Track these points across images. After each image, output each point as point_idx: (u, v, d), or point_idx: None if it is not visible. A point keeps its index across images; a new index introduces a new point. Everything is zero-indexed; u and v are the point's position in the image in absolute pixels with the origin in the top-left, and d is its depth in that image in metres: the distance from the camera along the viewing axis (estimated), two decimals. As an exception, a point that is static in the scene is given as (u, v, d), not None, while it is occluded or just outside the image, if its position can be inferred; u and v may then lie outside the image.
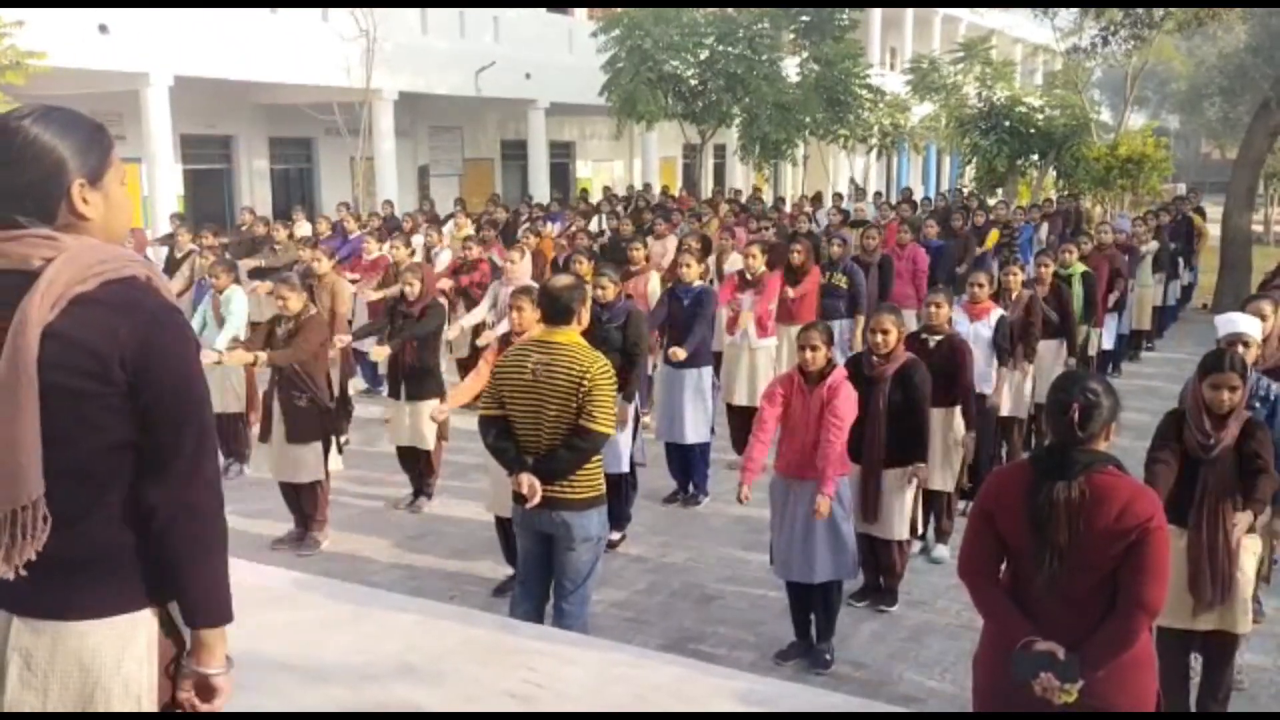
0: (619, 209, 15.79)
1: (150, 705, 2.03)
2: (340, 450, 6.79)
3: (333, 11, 17.28)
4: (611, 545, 6.60)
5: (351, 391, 9.23)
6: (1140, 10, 17.67)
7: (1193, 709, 4.42)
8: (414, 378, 7.22)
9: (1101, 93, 41.38)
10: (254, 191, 19.98)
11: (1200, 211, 16.61)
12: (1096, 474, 2.97)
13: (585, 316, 4.48)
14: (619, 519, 6.75)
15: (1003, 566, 3.19)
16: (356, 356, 9.57)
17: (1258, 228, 21.02)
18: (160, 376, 1.96)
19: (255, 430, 7.60)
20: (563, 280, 4.52)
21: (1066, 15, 22.66)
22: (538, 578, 4.54)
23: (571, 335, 4.38)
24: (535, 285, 6.32)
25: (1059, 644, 2.94)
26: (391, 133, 19.16)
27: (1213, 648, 4.34)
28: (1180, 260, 14.37)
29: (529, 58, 21.02)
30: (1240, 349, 4.67)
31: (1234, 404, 4.11)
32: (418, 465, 7.53)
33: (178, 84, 15.42)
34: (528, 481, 4.25)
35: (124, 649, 2.00)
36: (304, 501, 6.74)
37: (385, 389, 8.72)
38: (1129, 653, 2.96)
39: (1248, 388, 4.25)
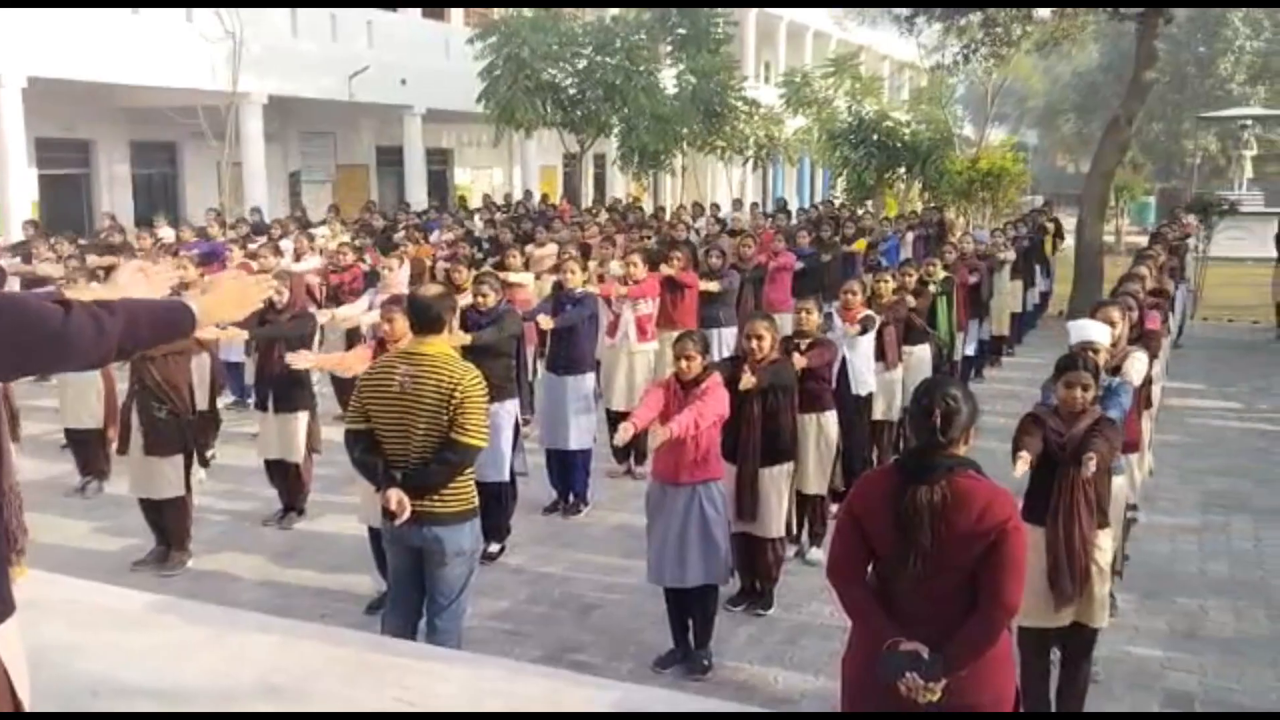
0: (497, 216, 15.65)
1: None
2: (205, 464, 6.54)
3: (197, 12, 16.70)
4: (490, 557, 6.53)
5: (219, 404, 8.92)
6: (999, 29, 18.39)
7: (1052, 703, 4.58)
8: (282, 388, 7.02)
9: (964, 108, 42.97)
10: (114, 197, 19.12)
11: (1056, 223, 17.36)
12: (958, 477, 3.06)
13: (455, 327, 4.42)
14: (498, 530, 6.69)
15: (870, 569, 3.26)
16: (225, 367, 9.25)
17: (1109, 238, 22.05)
18: None
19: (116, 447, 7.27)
20: (432, 290, 4.45)
21: (930, 32, 23.44)
22: (410, 594, 4.44)
23: (441, 346, 4.30)
24: (405, 294, 6.21)
25: (924, 643, 3.02)
26: (260, 137, 18.62)
27: (1072, 643, 4.52)
28: (1037, 269, 15.00)
29: (404, 63, 20.71)
30: (1091, 355, 4.89)
31: (1086, 403, 4.32)
32: (287, 479, 7.32)
33: (32, 85, 14.72)
34: (396, 497, 4.15)
35: None
36: (165, 519, 6.46)
37: (253, 400, 8.44)
38: (990, 651, 3.05)
39: (1099, 388, 4.48)
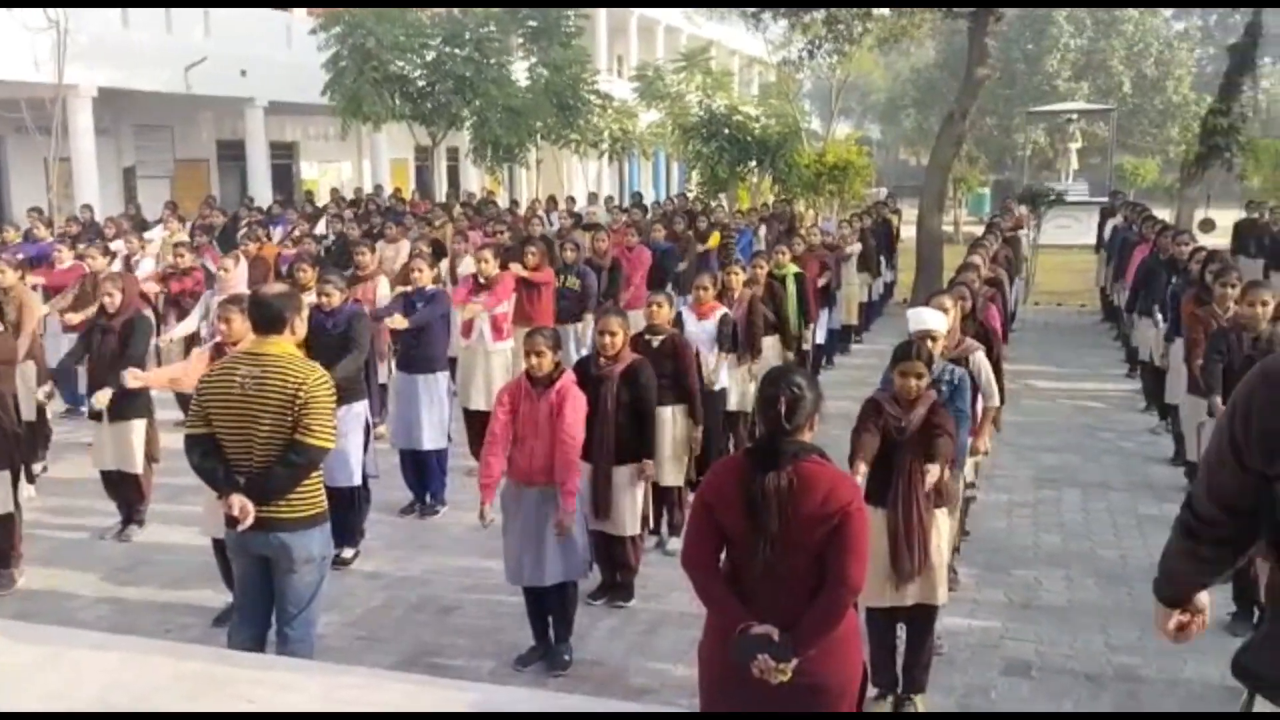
0: (345, 213, 15.26)
1: None
2: (31, 479, 6.19)
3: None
4: (344, 562, 6.39)
5: (50, 414, 8.48)
6: (841, 26, 18.94)
7: (899, 675, 4.77)
8: (118, 396, 6.69)
9: (812, 103, 44.13)
10: (-71, 196, 17.90)
11: (898, 214, 18.01)
12: (803, 463, 3.14)
13: (300, 327, 4.28)
14: (351, 534, 6.55)
15: (723, 555, 3.32)
16: (54, 375, 8.75)
17: (948, 228, 22.99)
18: None
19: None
20: (275, 288, 4.32)
21: (777, 29, 23.96)
22: (257, 603, 4.30)
23: (285, 346, 4.17)
24: (244, 294, 5.99)
25: (775, 626, 3.10)
26: (91, 131, 17.67)
27: (915, 619, 4.71)
28: (882, 259, 15.53)
29: (244, 54, 19.96)
30: (929, 342, 5.10)
31: (920, 390, 4.50)
32: (126, 490, 6.99)
33: None
34: (238, 503, 4.01)
35: None
36: (-9, 538, 6.09)
37: (87, 409, 8.02)
38: (837, 629, 3.15)
39: (933, 375, 4.68)
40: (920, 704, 4.72)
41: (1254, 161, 20.79)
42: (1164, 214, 18.97)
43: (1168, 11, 44.38)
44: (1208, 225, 18.71)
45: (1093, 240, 19.37)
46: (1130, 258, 12.09)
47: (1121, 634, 5.57)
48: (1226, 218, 19.90)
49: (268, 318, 4.16)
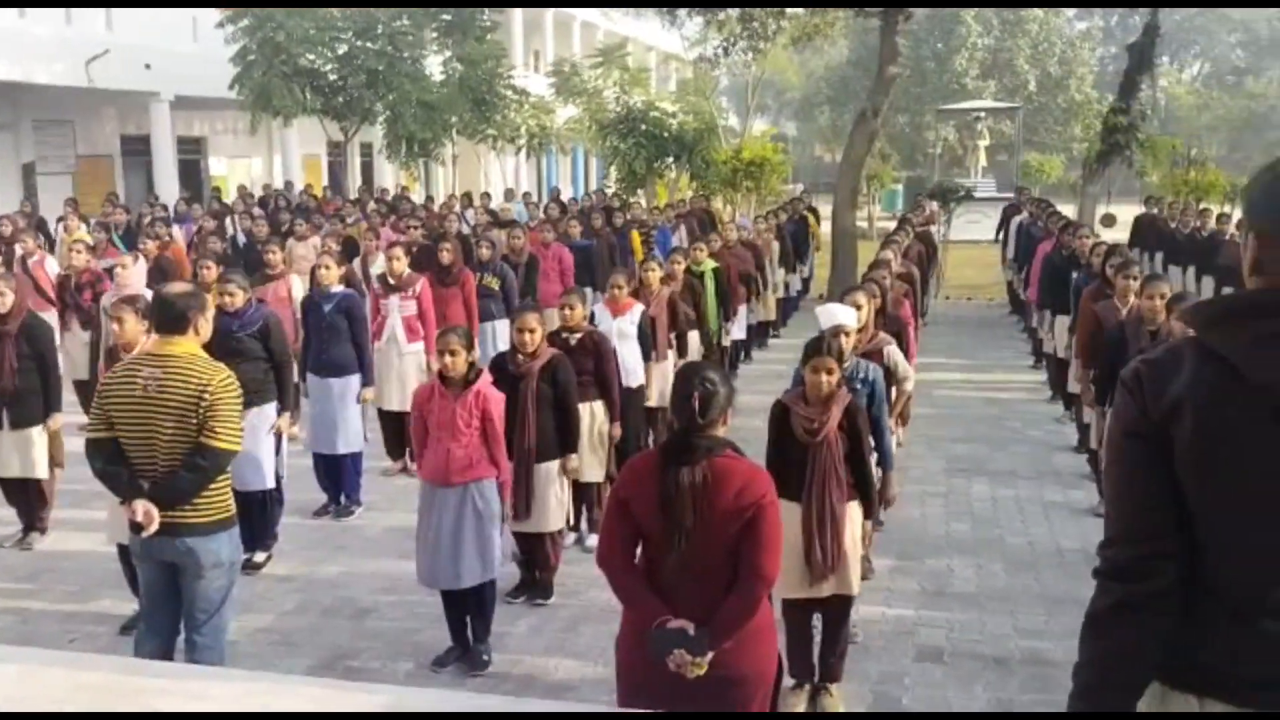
0: (254, 210, 14.92)
1: None
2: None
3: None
4: (256, 566, 6.27)
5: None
6: (756, 24, 19.11)
7: (815, 665, 4.83)
8: (18, 401, 6.46)
9: (728, 100, 44.50)
10: None
11: (813, 210, 18.23)
12: (717, 457, 3.17)
13: (205, 327, 4.18)
14: (264, 538, 6.43)
15: (639, 551, 3.33)
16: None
17: (863, 224, 23.37)
18: None
19: None
20: (178, 287, 4.21)
21: (693, 25, 24.10)
22: (165, 611, 4.18)
23: (189, 346, 4.05)
24: (141, 294, 5.82)
25: (691, 620, 3.12)
26: (-14, 126, 17.06)
27: (831, 610, 4.78)
28: (799, 255, 15.71)
29: (149, 47, 19.41)
30: (841, 338, 5.17)
31: (832, 387, 4.54)
32: (28, 497, 6.76)
33: None
34: (142, 508, 3.89)
35: None
36: (-121, 550, 5.84)
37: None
38: (752, 622, 3.19)
39: (844, 372, 4.73)
40: (835, 693, 4.80)
41: (1152, 158, 21.51)
42: (1068, 210, 19.52)
43: (1070, 11, 45.75)
44: (1109, 220, 19.34)
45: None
46: (1035, 253, 12.41)
47: (1029, 618, 5.72)
48: (1127, 213, 20.56)
49: (170, 317, 4.04)
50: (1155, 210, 16.86)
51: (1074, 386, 8.74)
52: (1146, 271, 8.34)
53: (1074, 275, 9.62)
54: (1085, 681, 1.88)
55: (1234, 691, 1.76)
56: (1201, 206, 17.29)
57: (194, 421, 3.94)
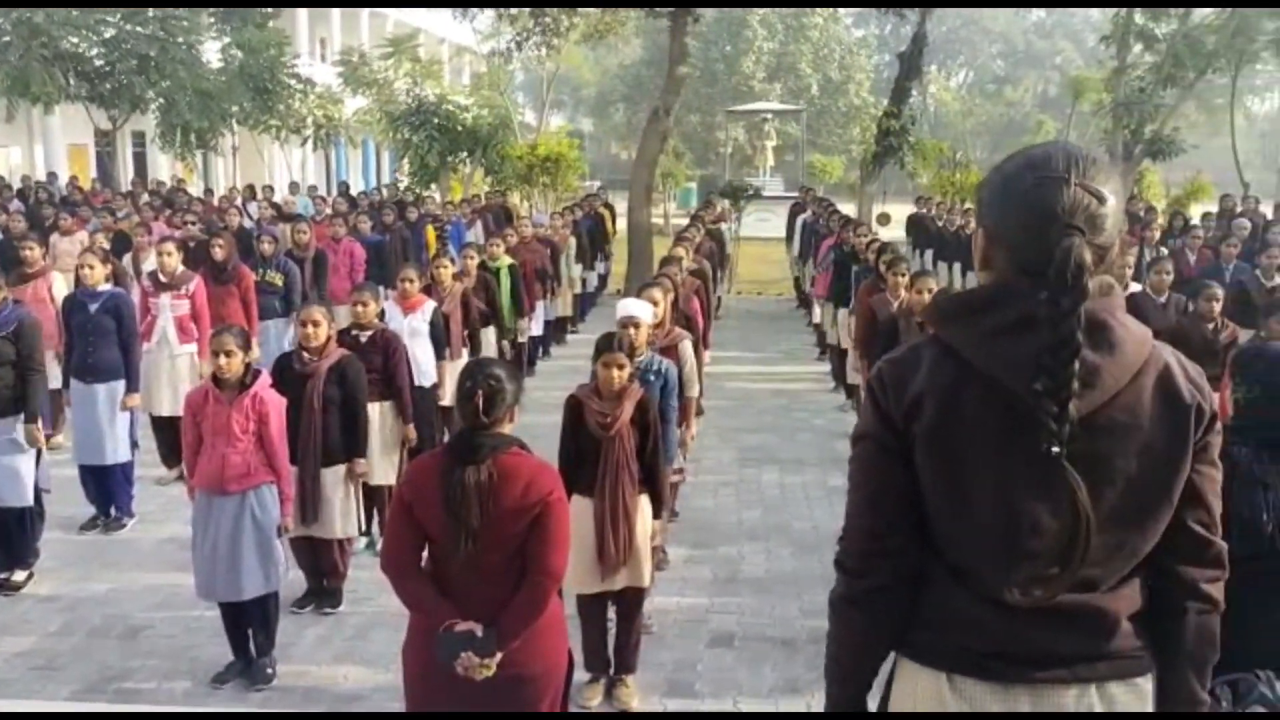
0: (10, 204, 13.78)
1: None
2: None
3: None
4: (15, 586, 5.84)
5: None
6: (548, 19, 19.13)
7: (610, 657, 4.88)
8: None
9: (524, 95, 44.36)
10: None
11: (610, 207, 18.41)
12: (503, 455, 3.15)
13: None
14: (23, 557, 5.98)
15: (425, 554, 3.26)
16: None
17: (658, 221, 23.76)
18: None
19: None
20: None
21: (485, 19, 23.89)
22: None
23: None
24: None
25: (478, 620, 3.08)
26: None
27: (624, 603, 4.83)
28: (596, 251, 15.84)
29: (-119, 22, 17.62)
30: (633, 330, 5.24)
31: (624, 382, 4.59)
32: None
33: None
34: None
35: None
36: None
37: None
38: (541, 619, 3.18)
39: (638, 365, 4.80)
40: (631, 684, 4.85)
41: (922, 160, 22.78)
42: (848, 208, 20.46)
43: (848, 19, 48.03)
44: (884, 219, 20.35)
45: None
46: (819, 248, 12.96)
47: (813, 599, 5.96)
48: (901, 212, 21.75)
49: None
50: (925, 209, 17.92)
51: (853, 377, 9.18)
52: (916, 267, 8.84)
53: (854, 270, 10.10)
54: (832, 654, 2.03)
55: (979, 666, 1.85)
56: (966, 206, 18.46)
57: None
